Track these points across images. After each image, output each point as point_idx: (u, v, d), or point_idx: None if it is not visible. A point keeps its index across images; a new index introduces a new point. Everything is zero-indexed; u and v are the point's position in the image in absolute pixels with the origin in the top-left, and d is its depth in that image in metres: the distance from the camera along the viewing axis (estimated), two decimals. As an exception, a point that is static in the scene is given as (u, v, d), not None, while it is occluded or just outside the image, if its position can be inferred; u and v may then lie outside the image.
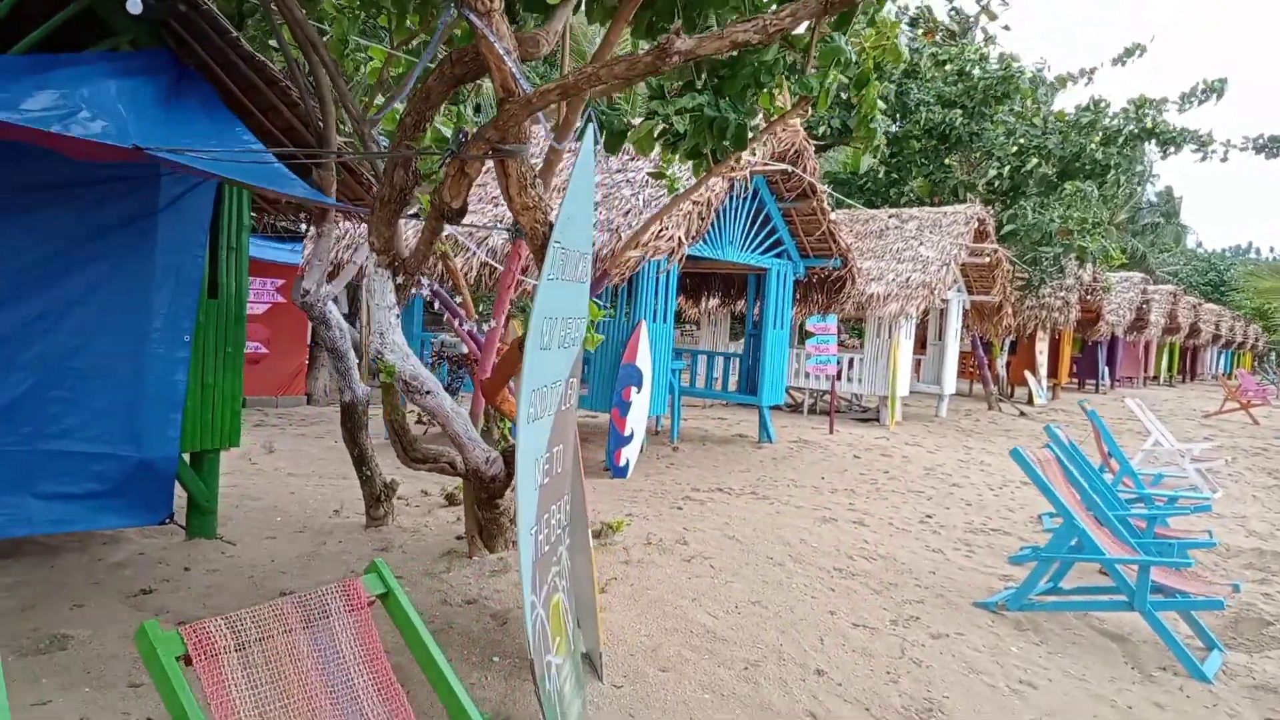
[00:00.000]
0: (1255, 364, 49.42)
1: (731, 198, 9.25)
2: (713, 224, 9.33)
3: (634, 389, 8.31)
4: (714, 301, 12.95)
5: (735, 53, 4.66)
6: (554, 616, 3.10)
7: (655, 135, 4.45)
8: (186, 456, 5.42)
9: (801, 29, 4.44)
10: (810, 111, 4.81)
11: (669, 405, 10.80)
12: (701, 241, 9.19)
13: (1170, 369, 35.30)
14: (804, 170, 9.52)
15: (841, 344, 23.55)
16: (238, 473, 7.66)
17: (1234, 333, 41.39)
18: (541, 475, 2.99)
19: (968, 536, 7.13)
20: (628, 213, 8.14)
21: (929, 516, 7.71)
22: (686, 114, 4.48)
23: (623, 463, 8.27)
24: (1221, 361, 45.78)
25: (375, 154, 3.90)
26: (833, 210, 15.53)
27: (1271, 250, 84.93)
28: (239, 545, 5.44)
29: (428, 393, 3.60)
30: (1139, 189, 50.64)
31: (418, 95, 2.89)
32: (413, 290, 5.04)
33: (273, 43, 4.42)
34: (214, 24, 4.70)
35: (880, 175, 18.75)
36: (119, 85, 4.25)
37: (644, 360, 8.39)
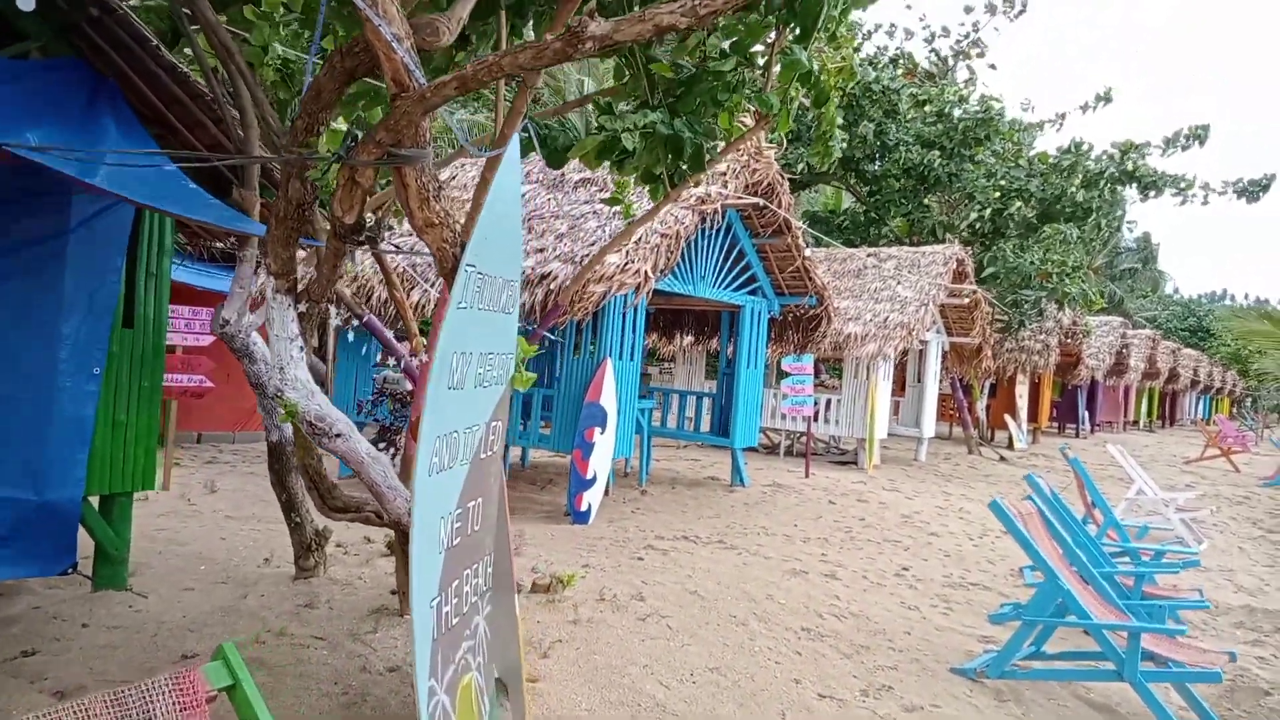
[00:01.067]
0: (1233, 409, 49.60)
1: (703, 232, 8.94)
2: (684, 259, 9.00)
3: (597, 429, 7.90)
4: (688, 339, 12.59)
5: (692, 69, 4.35)
6: (463, 702, 2.66)
7: (601, 151, 4.10)
8: (95, 500, 4.96)
9: (760, 46, 4.14)
10: (770, 129, 4.48)
11: (637, 446, 10.39)
12: (671, 276, 8.86)
13: (1150, 414, 35.24)
14: (778, 205, 9.23)
15: (821, 384, 23.28)
16: (172, 514, 7.17)
17: (1212, 378, 41.50)
18: (450, 535, 2.58)
19: (946, 591, 6.72)
20: (593, 244, 7.79)
21: (905, 569, 7.30)
22: (637, 131, 4.14)
23: (584, 508, 7.83)
24: (1200, 407, 45.89)
25: (251, 158, 3.51)
26: (810, 248, 15.32)
27: (1247, 296, 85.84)
28: (151, 597, 4.95)
29: (337, 435, 3.19)
30: (1117, 234, 51.15)
31: (308, 95, 2.53)
32: (349, 321, 4.64)
33: (189, 50, 4.05)
34: (131, 31, 4.33)
35: (859, 214, 18.60)
36: (13, 91, 3.87)
37: (608, 399, 7.99)
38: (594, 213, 8.38)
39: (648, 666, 4.40)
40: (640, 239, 7.70)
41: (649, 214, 4.85)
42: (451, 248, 2.60)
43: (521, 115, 3.60)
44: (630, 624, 5.01)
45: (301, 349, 3.04)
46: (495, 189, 2.57)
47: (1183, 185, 15.87)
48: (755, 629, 5.19)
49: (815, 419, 14.10)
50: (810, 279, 10.28)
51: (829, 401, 14.08)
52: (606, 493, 9.35)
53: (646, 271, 7.44)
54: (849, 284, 14.37)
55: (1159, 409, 37.27)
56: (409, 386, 5.51)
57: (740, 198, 8.47)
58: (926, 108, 16.31)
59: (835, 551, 7.65)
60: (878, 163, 17.36)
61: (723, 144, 4.66)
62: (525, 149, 3.99)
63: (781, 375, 12.20)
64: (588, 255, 7.65)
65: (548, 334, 5.72)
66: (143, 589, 5.10)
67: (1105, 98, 16.58)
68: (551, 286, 7.49)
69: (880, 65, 16.62)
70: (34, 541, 4.52)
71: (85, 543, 4.94)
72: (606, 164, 4.37)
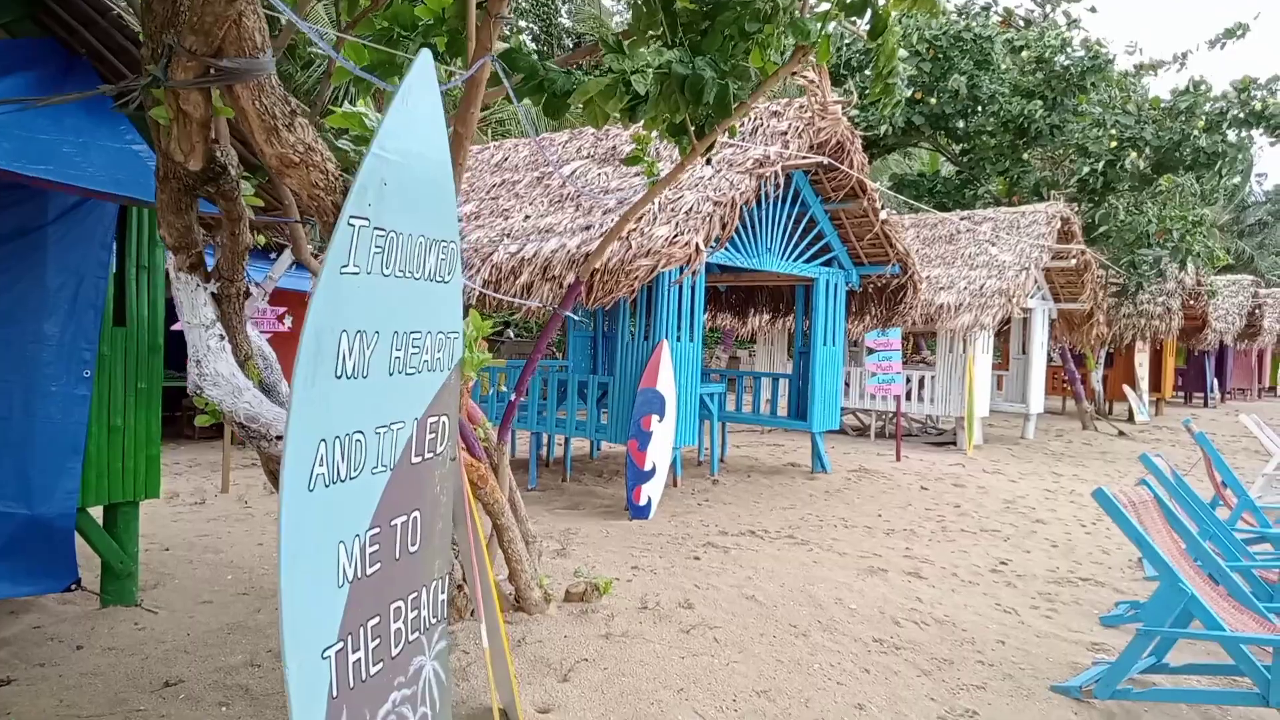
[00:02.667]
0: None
1: (766, 199, 8.22)
2: (745, 229, 8.31)
3: (654, 417, 7.32)
4: (764, 317, 11.85)
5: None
6: (390, 767, 2.13)
7: (608, 97, 3.50)
8: (98, 512, 4.68)
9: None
10: (809, 63, 3.80)
11: (705, 434, 9.77)
12: (731, 249, 8.18)
13: (1290, 379, 32.30)
14: (849, 165, 8.41)
15: (922, 360, 22.07)
16: (222, 518, 6.98)
17: (1362, 337, 37.79)
18: (360, 563, 2.05)
19: (1050, 589, 5.88)
20: (640, 217, 7.19)
21: (1003, 563, 6.47)
22: (651, 72, 3.52)
23: (643, 501, 7.27)
24: (1349, 369, 41.94)
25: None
26: (896, 214, 14.30)
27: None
28: (161, 613, 4.65)
29: (278, 438, 2.72)
30: (1245, 186, 47.24)
31: (141, 10, 2.03)
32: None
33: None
34: (94, 3, 3.97)
35: (953, 177, 17.35)
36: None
37: (666, 384, 7.40)
38: (644, 183, 7.76)
39: (683, 690, 3.81)
40: (691, 208, 7.07)
41: (672, 173, 4.23)
42: (328, 195, 2.07)
43: (487, 51, 3.04)
44: (671, 637, 4.42)
45: (222, 337, 2.57)
46: (394, 119, 2.01)
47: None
48: (818, 641, 4.53)
49: (908, 397, 13.16)
50: (891, 245, 9.41)
51: (923, 378, 13.11)
52: (674, 484, 8.78)
53: (698, 243, 6.80)
54: (940, 250, 13.32)
55: (1300, 373, 34.14)
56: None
57: (804, 157, 7.71)
58: (1024, 53, 14.94)
59: (922, 545, 6.86)
60: (971, 119, 16.07)
61: (760, 87, 3.98)
62: (493, 82, 3.42)
63: (868, 352, 11.34)
64: (635, 229, 7.06)
65: (570, 315, 5.19)
66: (159, 603, 4.81)
67: (1236, 31, 14.87)
68: (597, 265, 6.93)
69: (971, 13, 15.34)
70: (28, 558, 4.25)
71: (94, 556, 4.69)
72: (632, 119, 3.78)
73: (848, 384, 13.73)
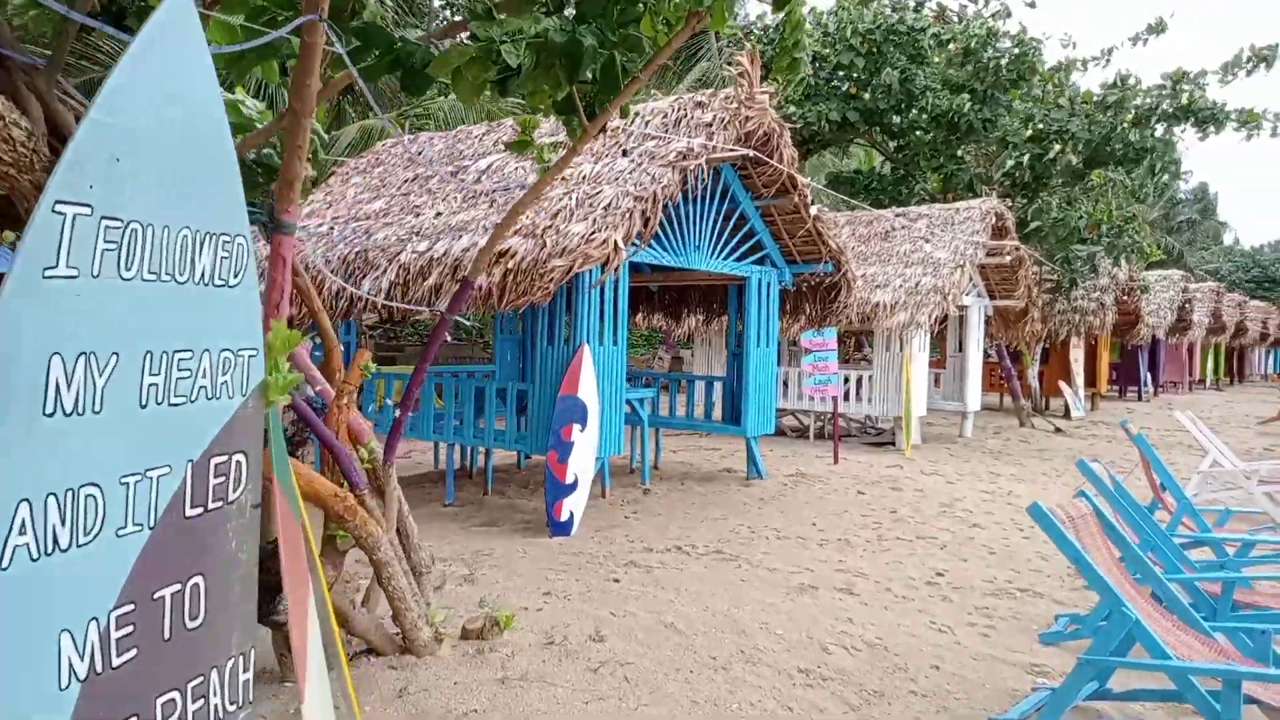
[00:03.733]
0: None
1: (692, 195, 7.83)
2: (671, 226, 7.91)
3: (576, 426, 6.88)
4: (697, 318, 11.49)
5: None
6: None
7: (473, 69, 3.05)
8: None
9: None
10: (701, 30, 3.39)
11: (635, 441, 9.36)
12: (657, 247, 7.77)
13: (1216, 371, 33.16)
14: (778, 158, 8.07)
15: (864, 359, 21.98)
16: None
17: (1283, 330, 39.05)
18: (94, 657, 1.57)
19: (988, 602, 5.58)
20: (556, 214, 6.74)
21: (940, 574, 6.17)
22: (524, 41, 3.08)
23: (564, 517, 6.82)
24: (1271, 361, 43.39)
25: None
26: (831, 212, 14.06)
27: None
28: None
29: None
30: (1174, 183, 48.56)
31: None
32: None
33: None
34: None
35: (888, 173, 17.21)
36: None
37: (588, 391, 6.96)
38: (563, 178, 7.32)
39: (583, 744, 3.38)
40: (610, 204, 6.64)
41: (563, 159, 3.79)
42: (23, 173, 1.59)
43: (315, 9, 2.57)
44: (577, 678, 3.98)
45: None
46: (130, 74, 1.54)
47: (1246, 118, 14.25)
48: (739, 674, 4.13)
49: (846, 397, 12.92)
50: (824, 242, 9.10)
51: (861, 378, 12.88)
52: (602, 494, 8.35)
53: (617, 242, 6.37)
54: (876, 248, 13.11)
55: (1226, 366, 35.11)
56: (310, 391, 4.54)
57: (730, 150, 7.33)
58: (951, 46, 14.84)
59: (857, 556, 6.53)
60: (905, 115, 15.93)
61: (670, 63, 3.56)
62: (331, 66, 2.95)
63: (804, 353, 11.05)
64: (550, 227, 6.61)
65: (461, 319, 4.73)
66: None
67: (1158, 28, 14.97)
68: (509, 266, 6.47)
69: (905, 7, 15.20)
70: None
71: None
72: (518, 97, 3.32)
73: (786, 384, 13.46)
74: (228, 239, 1.83)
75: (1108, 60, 16.25)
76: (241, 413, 1.93)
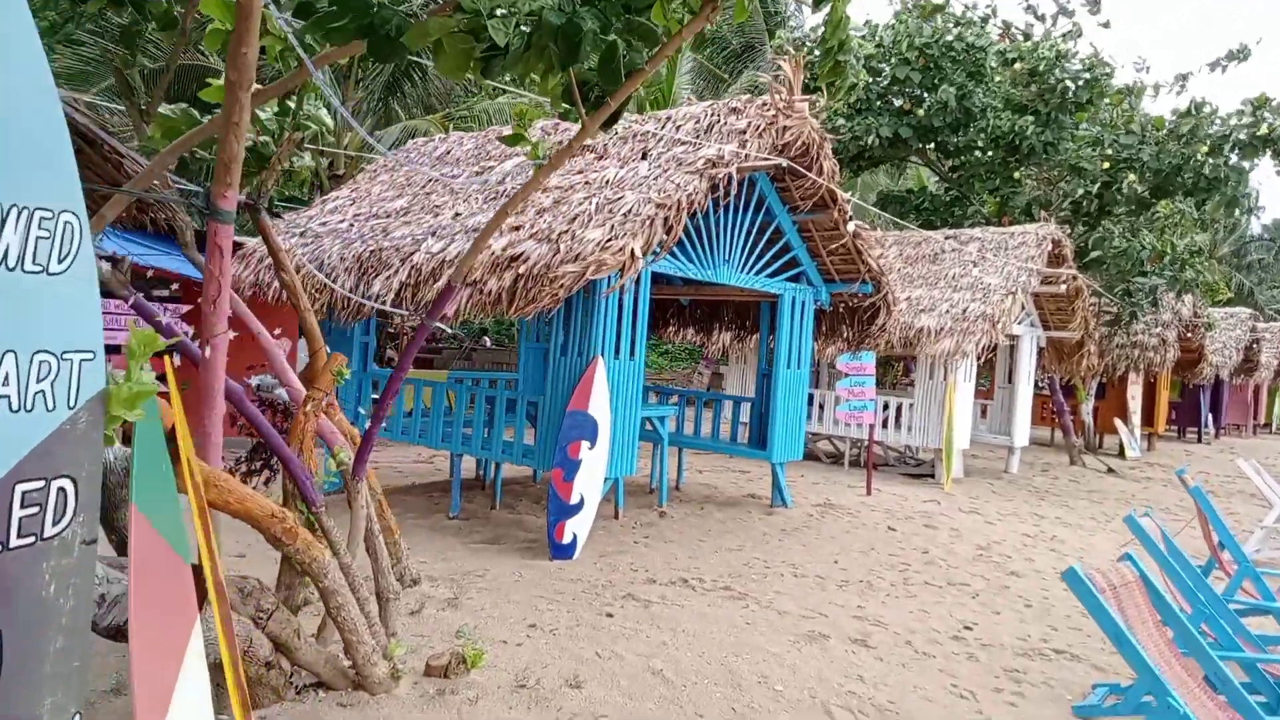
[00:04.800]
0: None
1: (723, 205, 7.42)
2: (700, 237, 7.50)
3: (585, 444, 6.49)
4: (728, 334, 11.04)
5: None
6: None
7: (454, 42, 2.69)
8: None
9: None
10: (718, 17, 3.00)
11: (654, 458, 8.95)
12: (682, 258, 7.37)
13: (1284, 416, 31.61)
14: (817, 171, 7.62)
15: (911, 384, 21.25)
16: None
17: (1358, 376, 37.13)
18: None
19: (1018, 664, 5.05)
20: (574, 219, 6.38)
21: (967, 628, 5.64)
22: (516, 19, 2.72)
23: (567, 539, 6.43)
24: (1343, 407, 41.29)
25: None
26: (877, 231, 13.51)
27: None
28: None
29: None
30: (1246, 218, 46.70)
31: None
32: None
33: None
34: None
35: (941, 193, 16.57)
36: None
37: (599, 407, 6.57)
38: (585, 183, 6.97)
39: (533, 814, 2.97)
40: (630, 210, 6.26)
41: (559, 155, 3.42)
42: None
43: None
44: (543, 730, 3.58)
45: None
46: None
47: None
48: (726, 737, 3.69)
49: (884, 425, 12.35)
50: (863, 261, 8.61)
51: (900, 405, 12.30)
52: (615, 516, 7.95)
53: (634, 250, 5.98)
54: (923, 270, 12.54)
55: (1296, 410, 33.44)
56: (286, 395, 4.23)
57: (763, 159, 6.91)
58: (1017, 65, 14.18)
59: (878, 602, 6.03)
60: (962, 134, 15.30)
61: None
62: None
63: (840, 376, 10.54)
64: (566, 232, 6.25)
65: (442, 326, 4.38)
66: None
67: (1240, 54, 14.16)
68: (520, 271, 6.13)
69: (965, 22, 14.60)
70: None
71: None
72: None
73: (822, 408, 12.93)
74: (47, 215, 1.48)
75: (1183, 87, 15.45)
76: (67, 430, 1.58)
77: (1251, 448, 23.17)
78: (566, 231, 6.23)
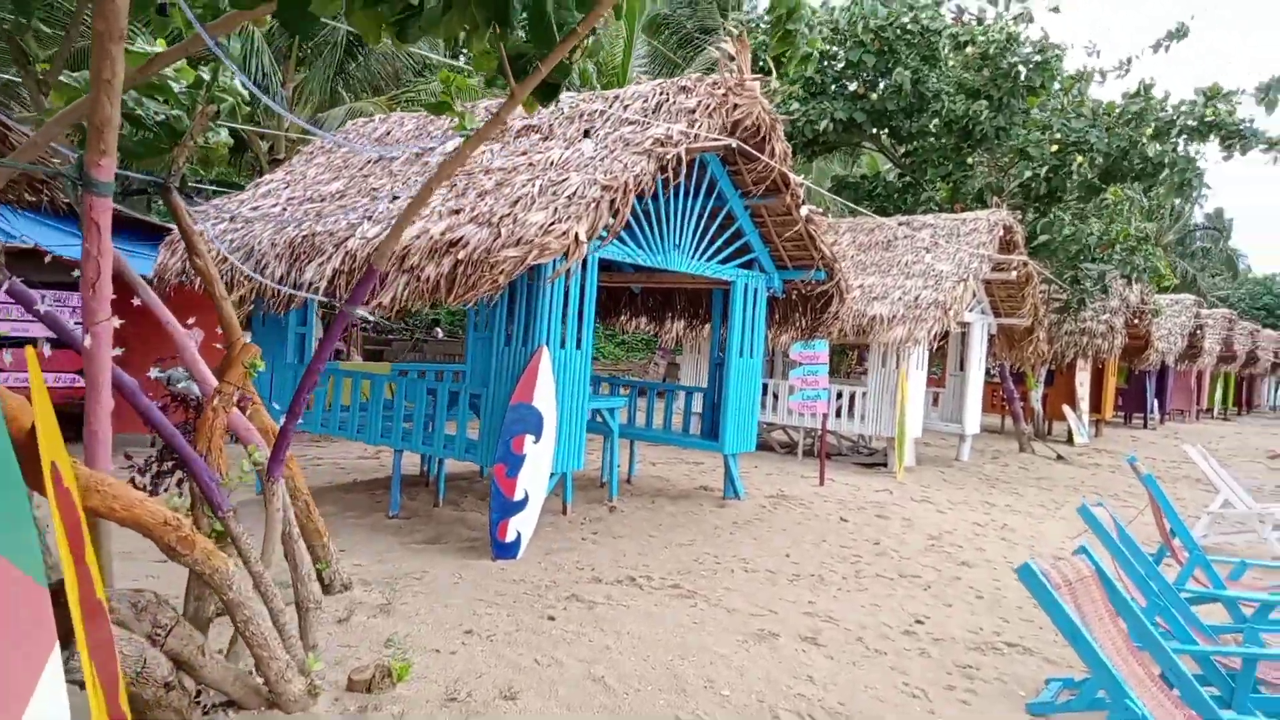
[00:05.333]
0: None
1: (673, 189, 7.19)
2: (650, 221, 7.28)
3: (529, 438, 6.24)
4: (680, 324, 10.84)
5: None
6: None
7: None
8: None
9: None
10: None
11: (605, 454, 8.73)
12: (630, 243, 7.14)
13: (1225, 401, 32.41)
14: (769, 153, 7.43)
15: (865, 373, 21.33)
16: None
17: (1294, 361, 38.24)
18: None
19: (970, 659, 4.94)
20: (516, 202, 6.11)
21: (919, 622, 5.53)
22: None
23: (510, 537, 6.18)
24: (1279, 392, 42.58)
25: None
26: (830, 219, 13.41)
27: (1329, 274, 79.98)
28: None
29: None
30: (1191, 206, 47.77)
31: None
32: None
33: None
34: None
35: (895, 179, 16.52)
36: None
37: (544, 399, 6.32)
38: (529, 164, 6.70)
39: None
40: (575, 193, 6.01)
41: (486, 127, 3.16)
42: None
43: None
44: (473, 747, 3.35)
45: None
46: None
47: (1275, 140, 13.55)
48: (669, 749, 3.49)
49: (837, 415, 12.27)
50: (816, 247, 8.45)
51: (853, 394, 12.22)
52: (563, 511, 7.72)
53: (578, 234, 5.74)
54: (876, 257, 12.46)
55: (1235, 395, 34.34)
56: (199, 390, 3.92)
57: (713, 139, 6.70)
58: (969, 49, 14.13)
59: (829, 596, 5.89)
60: (916, 118, 15.22)
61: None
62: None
63: (793, 365, 10.40)
64: (509, 215, 5.98)
65: (365, 314, 4.11)
66: None
67: (1179, 33, 14.26)
68: (460, 256, 5.85)
69: (920, 6, 14.49)
70: None
71: None
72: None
73: (776, 397, 12.82)
74: None
75: (1127, 70, 15.54)
76: None
77: (1195, 432, 23.66)
78: (508, 215, 5.96)
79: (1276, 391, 42.04)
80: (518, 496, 6.20)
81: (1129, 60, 14.90)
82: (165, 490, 3.81)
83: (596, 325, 12.21)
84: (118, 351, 2.92)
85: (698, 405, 10.24)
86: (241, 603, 3.08)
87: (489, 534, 6.26)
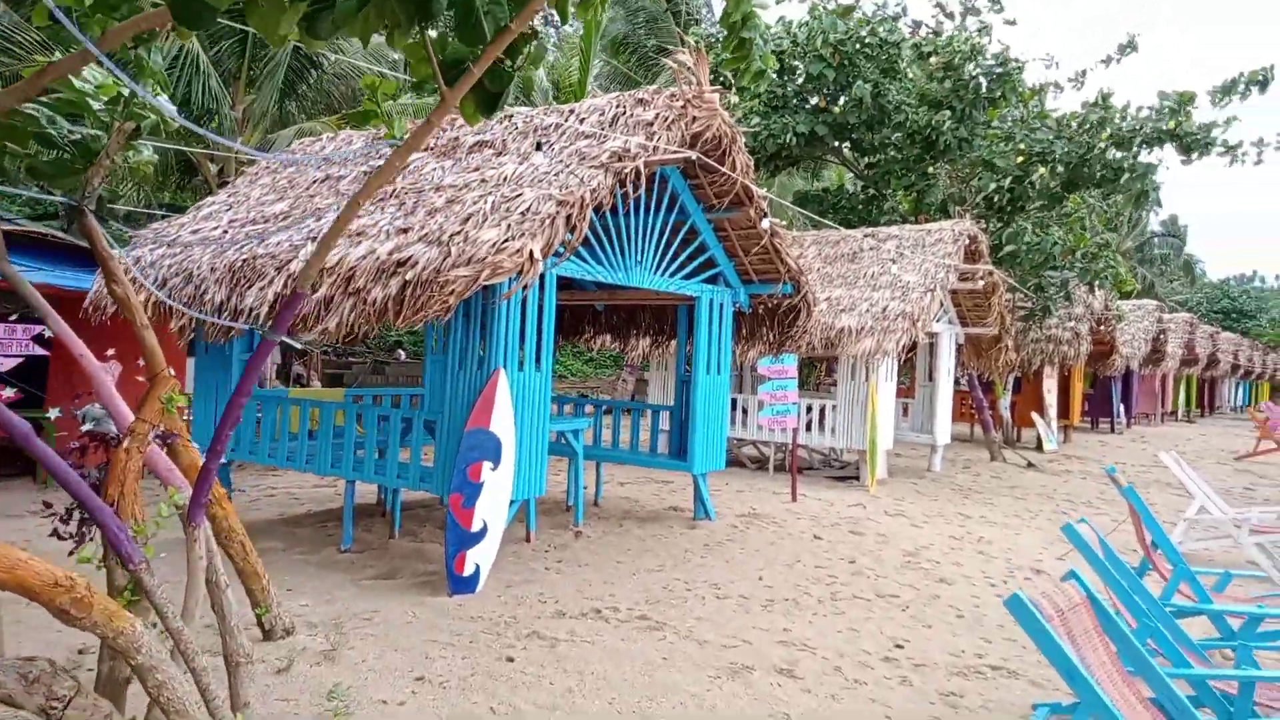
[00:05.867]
0: (1273, 395, 46.84)
1: (635, 205, 6.96)
2: (610, 237, 7.04)
3: (486, 464, 5.94)
4: (645, 340, 10.59)
5: None
6: None
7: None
8: None
9: None
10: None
11: (565, 474, 8.44)
12: (590, 260, 6.89)
13: (1188, 403, 32.81)
14: (730, 166, 7.23)
15: (821, 383, 21.24)
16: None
17: (1253, 362, 38.92)
18: None
19: (954, 685, 4.70)
20: (467, 219, 5.83)
21: (899, 646, 5.29)
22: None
23: (468, 571, 5.87)
24: (1239, 393, 43.27)
25: None
26: (794, 232, 13.27)
27: (1277, 278, 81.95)
28: None
29: None
30: (1145, 216, 48.60)
31: None
32: None
33: None
34: None
35: (859, 192, 16.46)
36: None
37: (502, 423, 6.03)
38: (482, 180, 6.43)
39: None
40: (529, 209, 5.75)
41: (416, 134, 2.89)
42: None
43: None
44: (419, 815, 3.04)
45: None
46: None
47: (1232, 144, 13.66)
48: (636, 805, 3.20)
49: (808, 429, 12.08)
50: (781, 260, 8.26)
51: (824, 408, 12.03)
52: (527, 539, 7.41)
53: (534, 251, 5.47)
54: (842, 270, 12.32)
55: (1197, 398, 34.79)
56: (114, 429, 3.59)
57: (673, 152, 6.47)
58: (932, 60, 14.10)
59: (805, 621, 5.63)
60: (877, 131, 15.16)
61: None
62: None
63: (761, 380, 10.19)
64: (459, 233, 5.70)
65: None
66: None
67: (1129, 46, 14.39)
68: (408, 277, 5.55)
69: (879, 20, 14.47)
70: None
71: None
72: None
73: (746, 412, 12.61)
74: None
75: (1081, 83, 15.67)
76: None
77: (1161, 435, 23.84)
78: (459, 233, 5.68)
79: (1237, 393, 42.70)
80: (475, 527, 5.89)
81: (1082, 73, 15.01)
82: (91, 539, 3.47)
83: (562, 343, 11.94)
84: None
85: (665, 423, 9.97)
86: (154, 666, 2.75)
87: (447, 567, 5.93)
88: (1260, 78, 12.88)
